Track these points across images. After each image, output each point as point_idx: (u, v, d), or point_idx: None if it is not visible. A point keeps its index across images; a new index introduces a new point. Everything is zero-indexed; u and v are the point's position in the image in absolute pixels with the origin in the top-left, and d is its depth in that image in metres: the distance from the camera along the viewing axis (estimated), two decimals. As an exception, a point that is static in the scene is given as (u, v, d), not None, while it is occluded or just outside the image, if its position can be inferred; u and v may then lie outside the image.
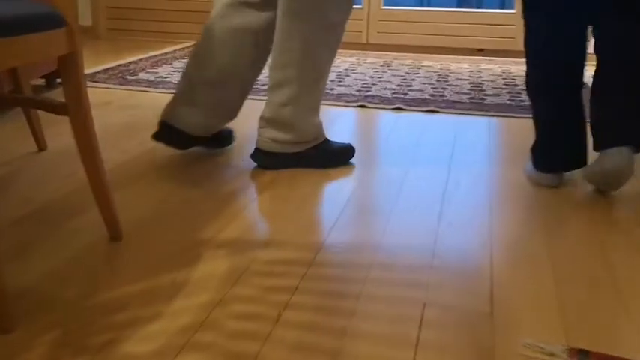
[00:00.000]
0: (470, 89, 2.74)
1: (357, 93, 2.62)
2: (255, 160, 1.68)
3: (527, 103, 2.48)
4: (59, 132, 1.93)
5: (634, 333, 0.96)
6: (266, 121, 1.64)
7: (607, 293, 1.08)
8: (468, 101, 2.51)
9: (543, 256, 1.21)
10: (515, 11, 3.51)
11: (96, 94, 2.52)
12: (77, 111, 1.08)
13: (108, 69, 2.99)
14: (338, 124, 2.17)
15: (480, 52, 3.61)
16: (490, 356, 0.90)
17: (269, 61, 1.64)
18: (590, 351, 0.91)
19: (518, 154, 1.87)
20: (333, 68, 3.16)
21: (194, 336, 0.92)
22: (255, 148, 1.68)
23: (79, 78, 1.06)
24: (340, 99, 2.51)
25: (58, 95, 2.40)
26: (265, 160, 1.67)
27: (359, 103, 2.44)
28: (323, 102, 2.46)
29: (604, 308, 1.03)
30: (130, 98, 2.46)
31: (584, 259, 1.21)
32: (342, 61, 3.37)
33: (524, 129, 2.15)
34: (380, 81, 2.87)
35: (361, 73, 3.06)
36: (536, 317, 1.00)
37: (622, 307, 1.03)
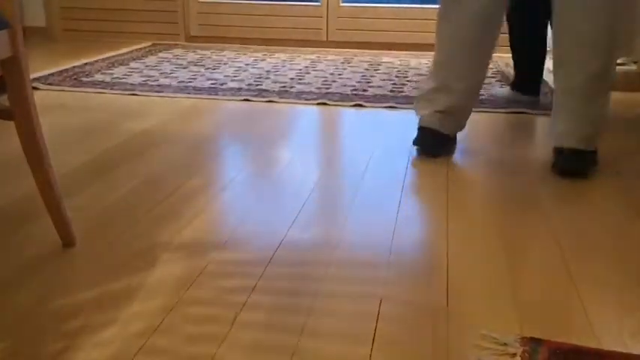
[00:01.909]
0: (428, 85, 2.77)
1: (317, 90, 2.62)
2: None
3: (484, 97, 2.53)
4: (11, 135, 1.88)
5: (586, 321, 0.99)
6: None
7: (561, 282, 1.11)
8: (426, 96, 2.54)
9: (498, 248, 1.23)
10: (472, 7, 3.56)
11: (50, 96, 2.46)
12: (22, 116, 1.05)
13: (62, 71, 2.92)
14: (298, 122, 2.16)
15: (439, 47, 3.65)
16: (445, 348, 0.91)
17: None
18: (543, 339, 0.93)
19: (473, 146, 1.90)
20: (292, 66, 3.15)
21: (149, 341, 0.91)
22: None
23: (23, 82, 1.03)
24: (300, 97, 2.50)
25: (9, 99, 2.34)
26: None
27: (319, 101, 2.45)
28: (282, 100, 2.46)
29: (558, 297, 1.06)
30: (84, 100, 2.41)
31: (538, 249, 1.23)
32: (302, 59, 3.37)
33: (480, 122, 2.18)
34: (340, 78, 2.88)
35: (321, 70, 3.07)
36: (491, 308, 1.02)
37: (575, 296, 1.06)
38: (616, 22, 1.58)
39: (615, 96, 2.65)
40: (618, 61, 2.97)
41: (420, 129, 1.82)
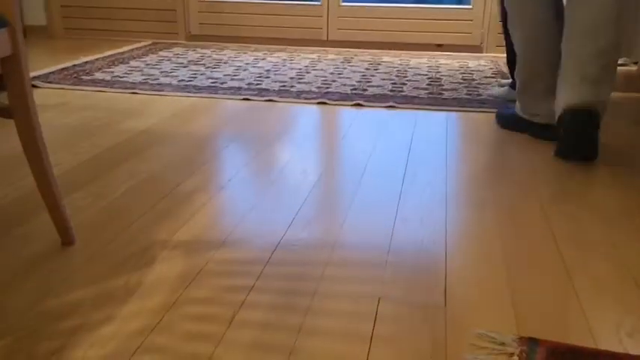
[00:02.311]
0: (428, 84, 2.77)
1: (317, 90, 2.62)
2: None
3: (484, 97, 2.53)
4: (11, 133, 1.88)
5: (584, 320, 0.99)
6: None
7: (559, 282, 1.11)
8: (426, 96, 2.54)
9: (496, 248, 1.23)
10: (472, 7, 3.56)
11: (50, 95, 2.46)
12: (22, 114, 1.06)
13: (63, 69, 2.93)
14: (298, 121, 2.17)
15: (439, 47, 3.65)
16: (442, 348, 0.91)
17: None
18: (540, 339, 0.93)
19: (474, 147, 1.90)
20: (292, 65, 3.16)
21: (147, 339, 0.91)
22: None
23: (22, 80, 1.03)
24: (300, 96, 2.50)
25: (9, 97, 2.34)
26: None
27: (319, 100, 2.45)
28: (282, 99, 2.46)
29: (555, 297, 1.06)
30: (85, 99, 2.41)
31: (536, 250, 1.23)
32: (302, 58, 3.37)
33: (480, 123, 2.18)
34: (340, 77, 2.88)
35: (321, 69, 3.07)
36: (489, 308, 1.02)
37: (573, 296, 1.06)
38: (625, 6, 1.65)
39: (615, 96, 2.66)
40: (618, 61, 2.98)
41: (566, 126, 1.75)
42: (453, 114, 2.30)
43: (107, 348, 0.89)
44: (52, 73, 2.84)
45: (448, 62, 3.34)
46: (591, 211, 1.43)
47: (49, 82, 2.64)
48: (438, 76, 2.97)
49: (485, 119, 2.23)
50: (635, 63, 3.15)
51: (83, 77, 2.77)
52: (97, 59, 3.21)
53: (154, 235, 1.26)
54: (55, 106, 2.29)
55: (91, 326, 0.94)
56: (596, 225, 1.35)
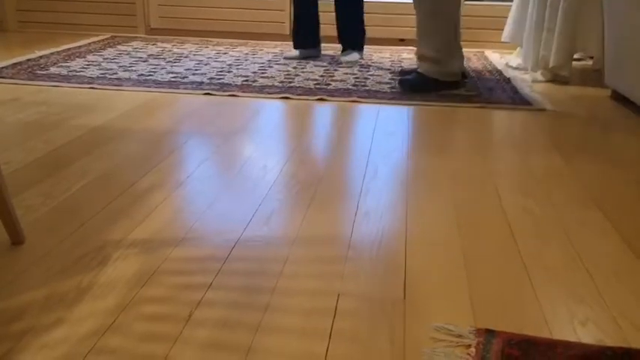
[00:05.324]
0: (391, 79, 2.78)
1: (280, 84, 2.60)
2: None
3: (446, 91, 2.55)
4: (-41, 132, 1.81)
5: (539, 311, 1.00)
6: None
7: (514, 274, 1.12)
8: (389, 91, 2.54)
9: (454, 242, 1.24)
10: (434, 1, 3.58)
11: (2, 90, 2.38)
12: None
13: (16, 63, 2.83)
14: (261, 116, 2.14)
15: (401, 41, 3.66)
16: (401, 342, 0.91)
17: None
18: (497, 331, 0.94)
19: (434, 141, 1.91)
20: (255, 59, 3.12)
21: (99, 341, 0.88)
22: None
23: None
24: (263, 91, 2.48)
25: (-42, 92, 2.25)
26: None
27: (282, 95, 2.43)
28: (244, 94, 2.43)
29: (512, 289, 1.07)
30: (39, 94, 2.34)
31: (494, 242, 1.25)
32: (265, 53, 3.34)
33: (442, 117, 2.20)
34: (303, 72, 2.87)
35: (284, 64, 3.04)
36: (447, 301, 1.02)
37: (528, 287, 1.08)
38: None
39: (571, 90, 2.71)
40: (575, 56, 3.04)
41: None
42: (415, 108, 2.31)
43: (57, 351, 0.86)
44: (5, 67, 2.75)
45: (410, 57, 3.35)
46: (546, 203, 1.45)
47: (2, 77, 2.56)
48: (400, 70, 2.98)
49: (447, 113, 2.24)
50: (591, 58, 3.22)
51: (38, 72, 2.69)
52: (52, 53, 3.11)
53: (109, 234, 1.22)
54: (8, 101, 2.22)
55: (40, 329, 0.91)
56: (551, 217, 1.37)
